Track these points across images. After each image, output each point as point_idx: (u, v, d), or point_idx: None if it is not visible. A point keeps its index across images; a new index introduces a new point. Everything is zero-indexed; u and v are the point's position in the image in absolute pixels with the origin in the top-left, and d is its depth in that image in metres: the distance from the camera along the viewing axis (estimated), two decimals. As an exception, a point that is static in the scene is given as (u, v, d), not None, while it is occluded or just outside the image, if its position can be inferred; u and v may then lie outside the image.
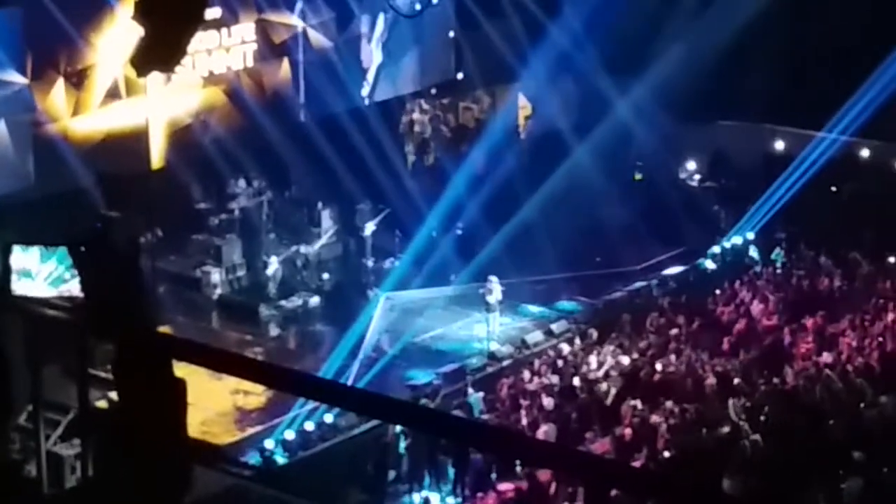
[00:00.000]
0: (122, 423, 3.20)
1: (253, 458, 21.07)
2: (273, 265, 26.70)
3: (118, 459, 3.20)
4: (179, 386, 3.32)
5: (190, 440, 3.33)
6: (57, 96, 24.75)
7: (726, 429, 20.74)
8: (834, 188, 31.47)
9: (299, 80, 28.92)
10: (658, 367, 23.28)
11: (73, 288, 17.86)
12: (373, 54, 30.31)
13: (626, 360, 23.53)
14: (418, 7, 30.68)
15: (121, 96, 25.65)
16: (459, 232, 27.42)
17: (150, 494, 3.19)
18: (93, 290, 3.28)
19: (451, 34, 31.98)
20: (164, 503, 3.21)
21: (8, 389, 3.17)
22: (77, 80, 24.95)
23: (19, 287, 18.03)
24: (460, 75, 32.48)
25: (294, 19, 28.58)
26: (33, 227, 22.43)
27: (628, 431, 21.19)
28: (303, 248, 27.55)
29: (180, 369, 3.64)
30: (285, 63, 28.61)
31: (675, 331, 24.77)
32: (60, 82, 24.74)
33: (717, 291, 26.82)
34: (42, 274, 19.45)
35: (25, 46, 24.12)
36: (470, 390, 22.96)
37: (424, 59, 31.48)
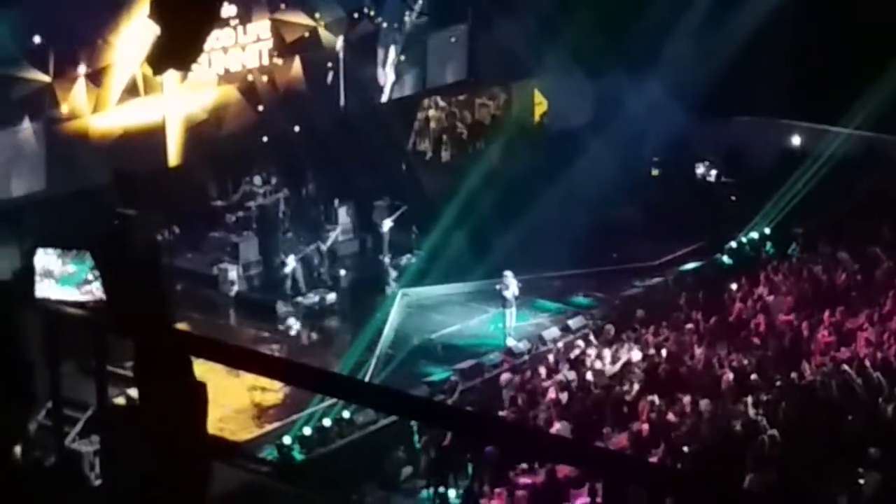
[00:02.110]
0: (142, 423, 3.20)
1: (270, 455, 21.12)
2: (291, 263, 26.73)
3: (138, 458, 3.20)
4: (201, 389, 3.32)
5: (210, 440, 3.33)
6: (78, 94, 24.85)
7: (744, 424, 20.71)
8: (851, 183, 31.39)
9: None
10: (675, 362, 23.26)
11: (95, 289, 17.97)
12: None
13: (642, 356, 23.52)
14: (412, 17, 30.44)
15: (139, 94, 25.73)
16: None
17: (171, 493, 3.19)
18: (115, 290, 3.28)
19: (465, 38, 31.85)
20: (185, 501, 3.22)
21: (31, 387, 3.18)
22: (97, 78, 25.05)
23: (41, 288, 18.11)
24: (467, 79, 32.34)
25: (306, 18, 28.58)
26: (52, 226, 22.53)
27: (646, 427, 21.19)
28: (318, 245, 27.58)
29: (198, 366, 3.64)
30: (297, 61, 28.62)
31: (691, 326, 24.75)
32: (82, 80, 24.84)
33: (734, 287, 26.77)
34: (62, 275, 19.53)
35: (47, 44, 24.22)
36: (506, 375, 23.08)
37: (436, 67, 31.35)
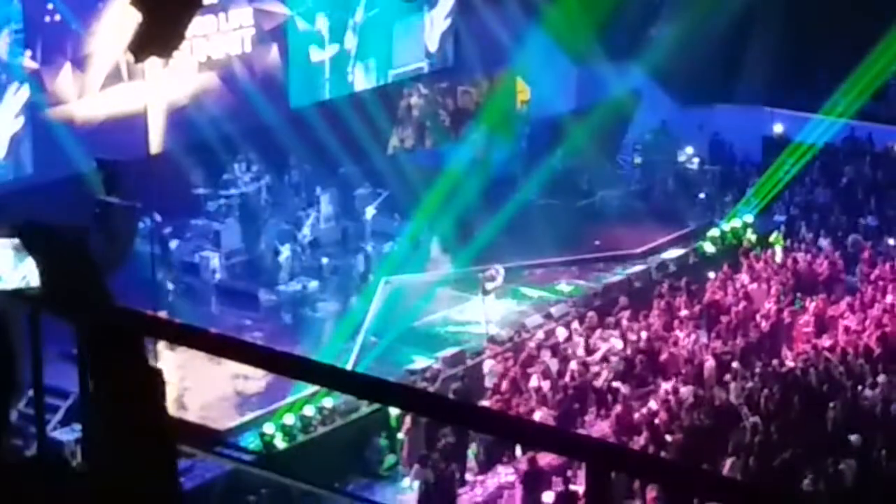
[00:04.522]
0: (102, 413, 3.15)
1: (253, 443, 21.11)
2: (285, 252, 26.66)
3: (108, 448, 3.15)
4: (155, 375, 3.22)
5: (174, 424, 3.25)
6: (65, 81, 24.80)
7: (726, 411, 20.78)
8: (833, 170, 31.47)
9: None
10: (657, 349, 23.31)
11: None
12: (353, 61, 30.19)
13: (624, 343, 23.57)
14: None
15: (123, 80, 25.68)
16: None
17: (139, 481, 3.13)
18: (46, 276, 3.20)
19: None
20: (156, 489, 3.15)
21: (16, 374, 3.13)
22: (82, 64, 25.01)
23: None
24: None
25: (282, 7, 28.54)
26: (37, 212, 22.45)
27: (628, 414, 21.23)
28: (301, 233, 27.54)
29: (181, 354, 3.62)
30: (275, 49, 28.59)
31: (673, 313, 24.80)
32: (68, 66, 24.79)
33: (716, 274, 26.84)
34: (16, 276, 19.34)
35: (34, 30, 24.20)
36: (489, 363, 23.09)
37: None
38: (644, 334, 23.87)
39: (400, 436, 21.55)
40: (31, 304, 3.66)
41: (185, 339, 3.76)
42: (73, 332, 3.56)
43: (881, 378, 21.43)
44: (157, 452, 3.15)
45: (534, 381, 22.43)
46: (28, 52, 24.34)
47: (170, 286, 25.70)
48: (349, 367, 22.10)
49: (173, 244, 26.35)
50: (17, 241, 19.24)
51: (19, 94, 24.52)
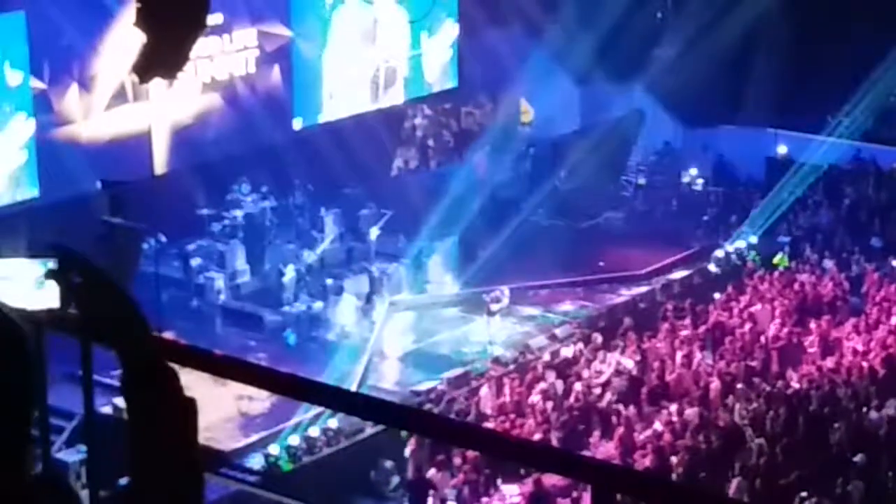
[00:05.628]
0: (131, 440, 3.13)
1: (258, 464, 21.09)
2: (290, 273, 26.65)
3: (125, 471, 3.13)
4: (190, 405, 3.23)
5: (203, 456, 3.24)
6: (71, 101, 24.87)
7: (731, 432, 20.75)
8: (837, 192, 31.46)
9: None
10: (662, 371, 23.28)
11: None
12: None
13: (629, 365, 23.55)
14: None
15: (128, 101, 25.75)
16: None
17: None
18: (85, 304, 3.17)
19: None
20: None
21: (33, 390, 3.10)
22: (88, 85, 25.09)
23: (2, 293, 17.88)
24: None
25: (283, 29, 28.62)
26: (45, 233, 22.48)
27: (633, 435, 21.20)
28: (305, 253, 27.56)
29: (185, 375, 3.62)
30: (278, 70, 28.67)
31: (678, 335, 24.77)
32: (74, 87, 24.87)
33: (721, 296, 26.81)
34: (27, 278, 19.28)
35: (41, 51, 24.29)
36: (484, 391, 23.01)
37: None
38: (648, 356, 23.84)
39: (405, 456, 21.51)
40: (36, 323, 3.66)
41: (189, 360, 3.76)
42: (81, 353, 3.55)
43: (892, 401, 21.39)
44: (186, 485, 3.14)
45: (538, 403, 22.40)
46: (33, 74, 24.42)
47: (175, 306, 25.71)
48: (354, 388, 22.09)
49: (195, 262, 26.42)
50: (45, 261, 19.18)
51: (27, 125, 24.57)
